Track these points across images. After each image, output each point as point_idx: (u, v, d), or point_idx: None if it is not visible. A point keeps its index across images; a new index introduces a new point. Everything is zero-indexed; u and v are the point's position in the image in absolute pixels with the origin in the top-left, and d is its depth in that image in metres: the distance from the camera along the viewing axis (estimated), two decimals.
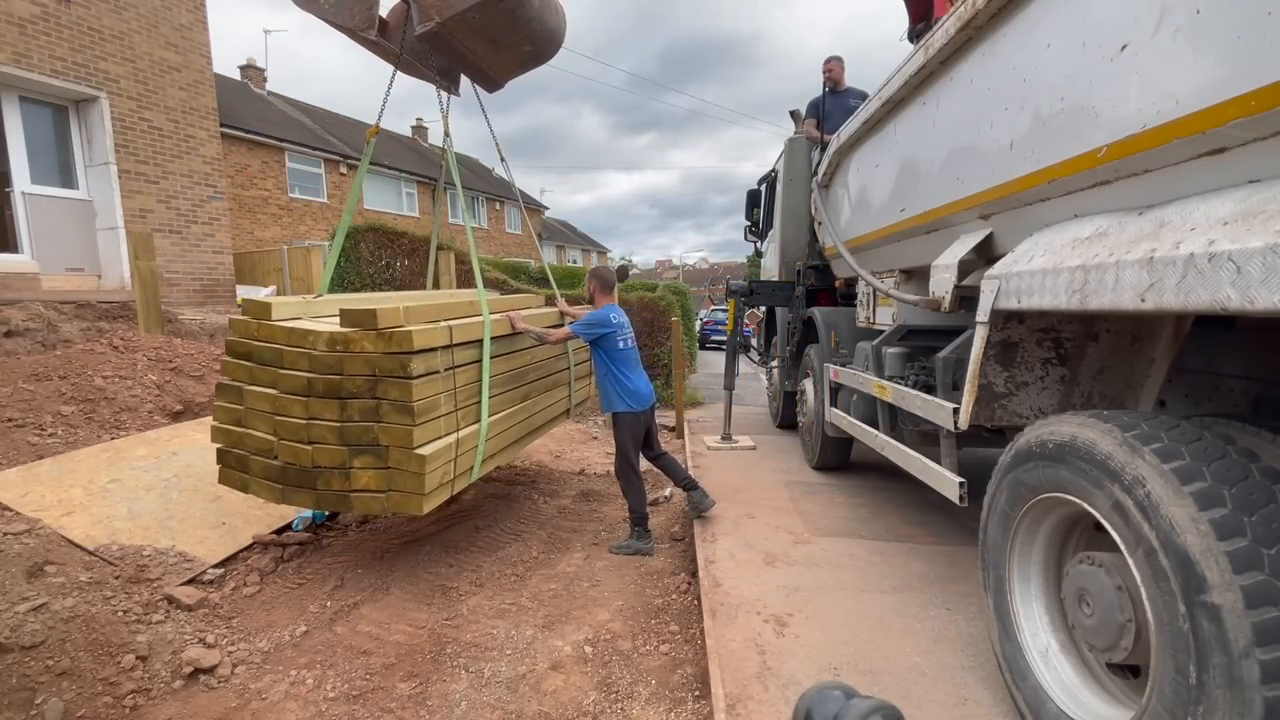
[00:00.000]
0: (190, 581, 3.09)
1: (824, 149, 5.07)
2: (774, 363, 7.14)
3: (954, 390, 2.89)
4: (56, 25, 6.79)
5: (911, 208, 3.24)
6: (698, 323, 18.57)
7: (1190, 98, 1.52)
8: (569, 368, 4.65)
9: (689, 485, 4.09)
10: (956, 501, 2.74)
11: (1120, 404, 2.36)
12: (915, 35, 4.52)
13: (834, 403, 4.54)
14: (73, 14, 6.92)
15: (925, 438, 3.50)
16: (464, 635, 2.90)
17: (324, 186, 17.48)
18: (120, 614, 2.68)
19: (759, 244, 7.84)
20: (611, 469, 4.30)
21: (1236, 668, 1.29)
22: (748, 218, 7.85)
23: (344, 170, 17.98)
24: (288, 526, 3.79)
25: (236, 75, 18.96)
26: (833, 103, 5.55)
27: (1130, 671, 1.82)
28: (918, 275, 3.59)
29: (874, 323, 4.28)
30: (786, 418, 6.63)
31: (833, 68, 5.72)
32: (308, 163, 16.94)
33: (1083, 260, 1.77)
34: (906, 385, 3.34)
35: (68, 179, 7.39)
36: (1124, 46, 1.73)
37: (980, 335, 2.30)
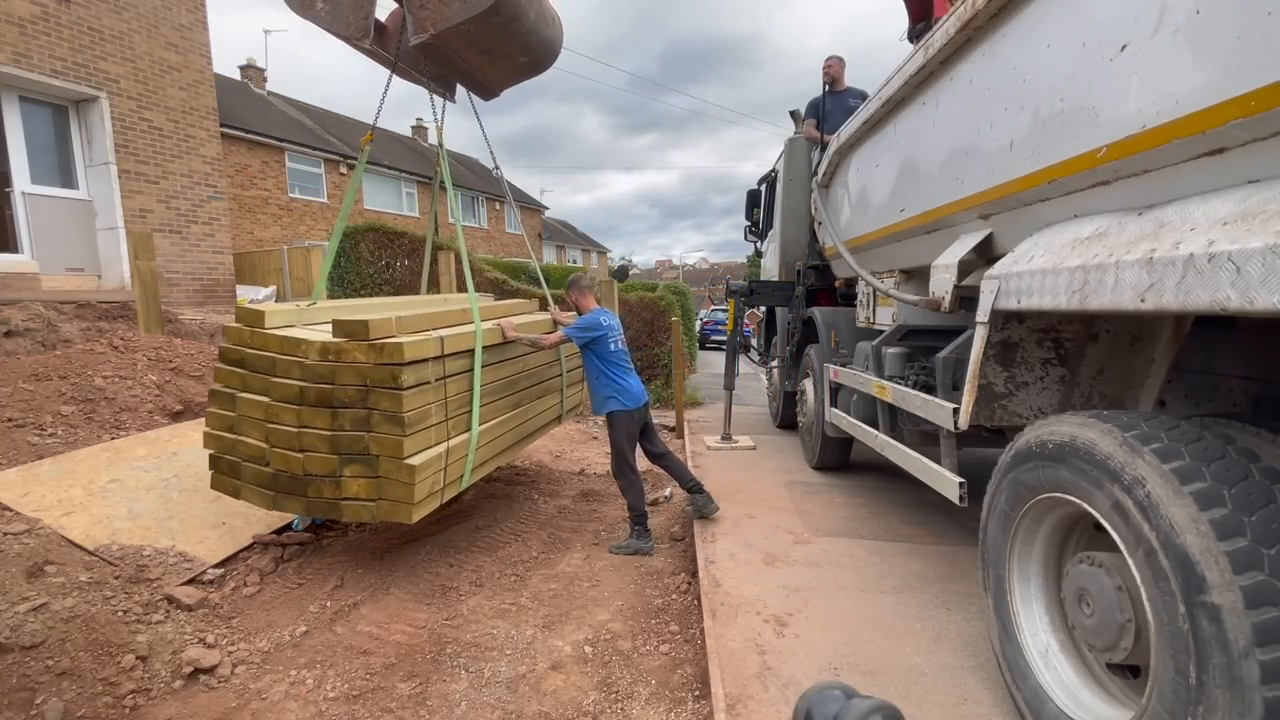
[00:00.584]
0: (190, 581, 3.09)
1: (824, 149, 5.07)
2: (774, 363, 7.14)
3: (954, 390, 2.89)
4: (56, 25, 6.79)
5: (911, 208, 3.24)
6: (698, 323, 18.58)
7: (1190, 98, 1.52)
8: (561, 374, 4.64)
9: (694, 488, 4.08)
10: (956, 501, 2.74)
11: (1120, 404, 2.36)
12: (915, 35, 4.52)
13: (834, 403, 4.54)
14: (73, 14, 6.92)
15: (925, 438, 3.50)
16: (464, 635, 2.90)
17: (324, 186, 17.48)
18: (120, 614, 2.68)
19: (759, 244, 7.84)
20: (610, 469, 4.31)
21: (1236, 668, 1.29)
22: (748, 218, 7.85)
23: (344, 170, 17.98)
24: (288, 526, 3.79)
25: (236, 75, 18.97)
26: (833, 103, 5.55)
27: (1130, 671, 1.82)
28: (918, 275, 3.59)
29: (874, 323, 4.28)
30: (786, 418, 6.63)
31: (832, 67, 5.71)
32: (308, 163, 16.94)
33: (1083, 260, 1.77)
34: (906, 385, 3.34)
35: (68, 179, 7.38)
36: (1124, 46, 1.73)
37: (980, 335, 2.30)
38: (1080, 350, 2.37)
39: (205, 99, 8.39)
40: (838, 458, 5.12)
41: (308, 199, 16.91)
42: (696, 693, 2.50)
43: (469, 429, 3.36)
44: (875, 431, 3.75)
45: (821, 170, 4.98)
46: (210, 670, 2.52)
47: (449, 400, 3.22)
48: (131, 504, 3.49)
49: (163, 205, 7.89)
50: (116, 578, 2.91)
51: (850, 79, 5.81)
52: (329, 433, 2.95)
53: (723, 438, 6.32)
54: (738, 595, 3.06)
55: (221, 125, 9.09)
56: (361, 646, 2.77)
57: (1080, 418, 1.81)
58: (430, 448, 3.06)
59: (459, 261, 9.30)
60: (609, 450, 4.02)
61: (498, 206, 26.25)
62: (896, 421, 3.62)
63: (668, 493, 4.81)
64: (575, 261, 34.98)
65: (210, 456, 3.27)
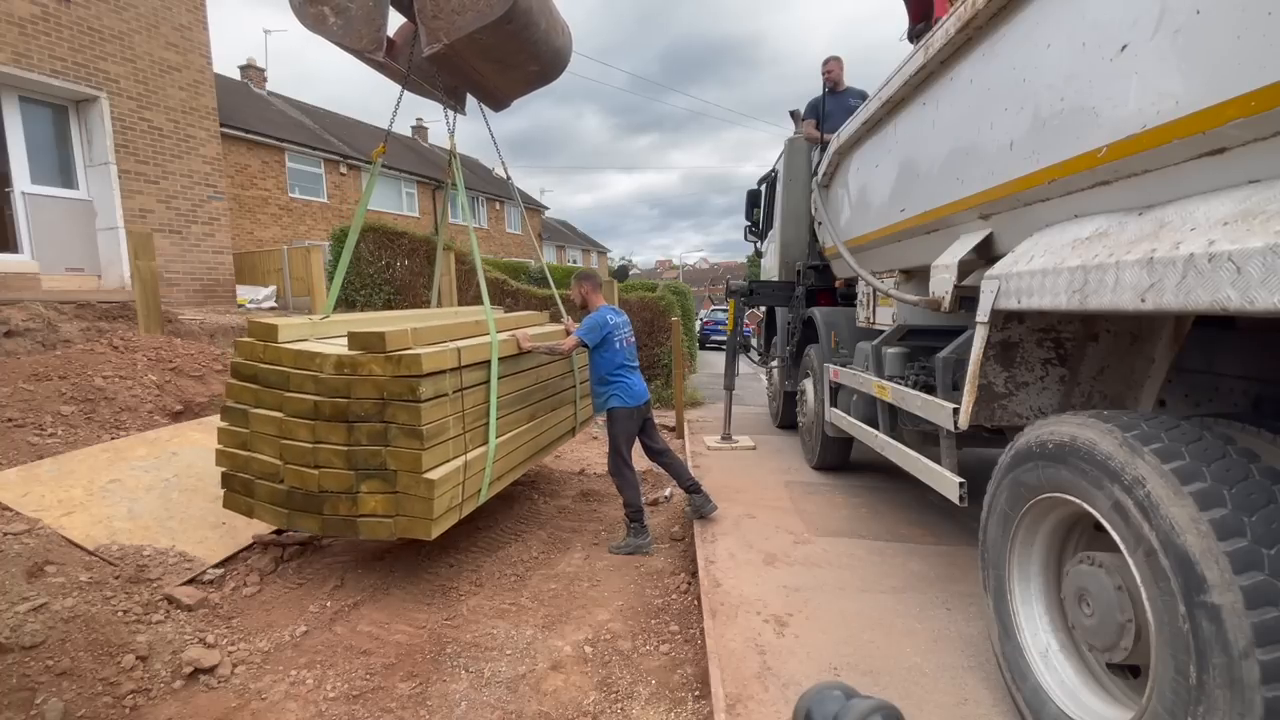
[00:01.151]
0: (190, 581, 3.09)
1: (824, 149, 5.07)
2: (774, 363, 7.14)
3: (954, 390, 2.89)
4: (56, 25, 6.79)
5: (911, 208, 3.24)
6: (698, 323, 18.58)
7: (1190, 98, 1.52)
8: (574, 385, 4.63)
9: (692, 488, 4.08)
10: (956, 501, 2.74)
11: (1120, 404, 2.36)
12: (915, 35, 4.52)
13: (834, 403, 4.54)
14: (73, 14, 6.92)
15: (925, 438, 3.50)
16: (464, 635, 2.90)
17: (324, 186, 17.48)
18: (120, 614, 2.68)
19: (759, 244, 7.84)
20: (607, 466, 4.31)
21: (1236, 668, 1.29)
22: (748, 218, 7.86)
23: (344, 170, 17.99)
24: None
25: (236, 75, 18.97)
26: (832, 103, 5.55)
27: (1130, 672, 1.82)
28: (918, 275, 3.59)
29: (874, 323, 4.28)
30: (786, 418, 6.63)
31: (832, 68, 5.72)
32: (308, 163, 16.94)
33: (1083, 260, 1.77)
34: (906, 385, 3.34)
35: (68, 179, 7.38)
36: (1124, 47, 1.73)
37: (980, 335, 2.30)
38: (1080, 350, 2.37)
39: (205, 99, 8.39)
40: (838, 458, 5.12)
41: (308, 199, 16.91)
42: (696, 693, 2.50)
43: (486, 442, 3.32)
44: (875, 431, 3.75)
45: (821, 170, 4.98)
46: (210, 670, 2.52)
47: (466, 413, 3.18)
48: (131, 504, 3.49)
49: (163, 205, 7.89)
50: (116, 578, 2.91)
51: (850, 80, 5.81)
52: (345, 448, 2.90)
53: (723, 438, 6.31)
54: (738, 595, 3.06)
55: (221, 125, 9.09)
56: (361, 646, 2.77)
57: (1080, 418, 1.81)
58: (448, 461, 3.01)
59: (460, 261, 9.31)
60: (608, 449, 4.03)
61: (498, 206, 26.25)
62: (896, 421, 3.62)
63: (667, 493, 4.81)
64: (575, 261, 34.99)
65: (223, 475, 3.22)
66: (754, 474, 5.20)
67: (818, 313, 5.20)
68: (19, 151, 6.91)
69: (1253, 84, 1.35)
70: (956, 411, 2.57)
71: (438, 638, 2.88)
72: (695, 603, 3.16)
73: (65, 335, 5.60)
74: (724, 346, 7.16)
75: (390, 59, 3.30)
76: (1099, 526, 1.70)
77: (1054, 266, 1.89)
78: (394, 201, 20.09)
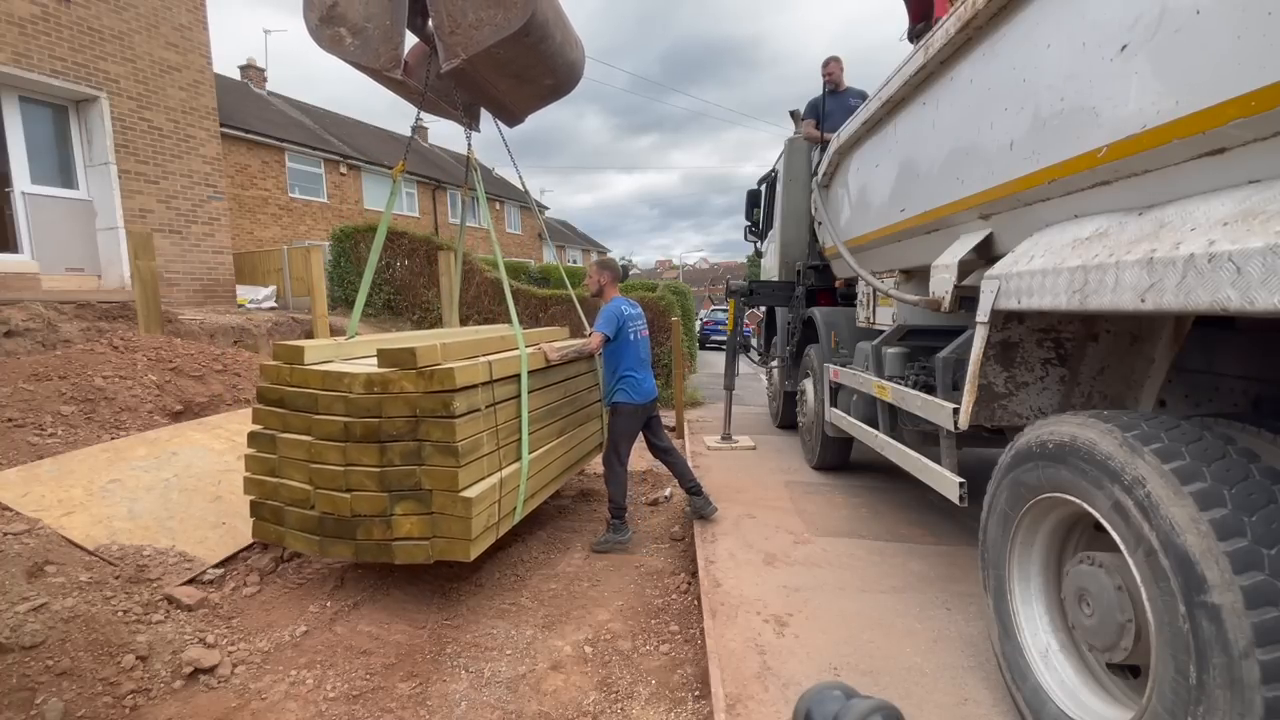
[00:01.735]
0: (190, 581, 3.09)
1: (824, 149, 5.07)
2: (774, 363, 7.15)
3: (954, 390, 2.89)
4: (56, 25, 6.78)
5: (911, 208, 3.24)
6: (698, 323, 18.57)
7: (1190, 98, 1.52)
8: (602, 399, 4.63)
9: (693, 489, 4.08)
10: (956, 501, 2.74)
11: (1120, 404, 2.36)
12: (915, 35, 4.52)
13: (834, 403, 4.54)
14: (73, 14, 6.92)
15: (925, 438, 3.50)
16: (464, 635, 2.91)
17: (324, 186, 17.49)
18: (120, 614, 2.68)
19: (759, 244, 7.85)
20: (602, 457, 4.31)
21: (1237, 668, 1.29)
22: (748, 218, 7.86)
23: (344, 170, 17.99)
24: None
25: (237, 75, 18.97)
26: (833, 103, 5.56)
27: (1130, 672, 1.82)
28: (918, 275, 3.59)
29: (874, 323, 4.28)
30: (786, 418, 6.63)
31: (833, 69, 5.72)
32: (308, 163, 16.94)
33: (1083, 260, 1.77)
34: (906, 385, 3.34)
35: (68, 179, 7.38)
36: (1124, 46, 1.73)
37: (980, 335, 2.30)
38: (1080, 350, 2.37)
39: (205, 99, 8.39)
40: (838, 458, 5.12)
41: (308, 199, 16.92)
42: (696, 693, 2.50)
43: (519, 458, 3.29)
44: (875, 431, 3.75)
45: (821, 170, 4.98)
46: (210, 670, 2.52)
47: (499, 428, 3.13)
48: (131, 504, 3.49)
49: (163, 205, 7.89)
50: (116, 578, 2.91)
51: (850, 81, 5.82)
52: (377, 469, 2.84)
53: (723, 438, 6.32)
54: (738, 595, 3.06)
55: (221, 125, 9.09)
56: (361, 646, 2.77)
57: (1080, 418, 1.81)
58: (484, 479, 2.97)
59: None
60: (606, 442, 4.03)
61: (498, 206, 26.26)
62: (896, 421, 3.62)
63: (667, 493, 4.81)
64: (575, 261, 35.00)
65: (251, 503, 3.17)
66: (754, 474, 5.20)
67: (818, 313, 5.20)
68: (19, 151, 6.90)
69: (1253, 84, 1.35)
70: (956, 411, 2.57)
71: (438, 638, 2.88)
72: (695, 603, 3.16)
73: (65, 335, 5.60)
74: (724, 346, 7.16)
75: (406, 77, 3.31)
76: (1099, 526, 1.70)
77: (1054, 266, 1.89)
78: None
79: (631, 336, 3.86)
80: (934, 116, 2.95)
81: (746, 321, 9.37)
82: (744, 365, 8.91)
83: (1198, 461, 1.46)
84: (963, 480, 2.75)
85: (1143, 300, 1.53)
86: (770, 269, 6.97)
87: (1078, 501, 1.76)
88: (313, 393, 2.98)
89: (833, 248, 4.78)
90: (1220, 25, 1.43)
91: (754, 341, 9.01)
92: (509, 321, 3.72)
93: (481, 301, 9.92)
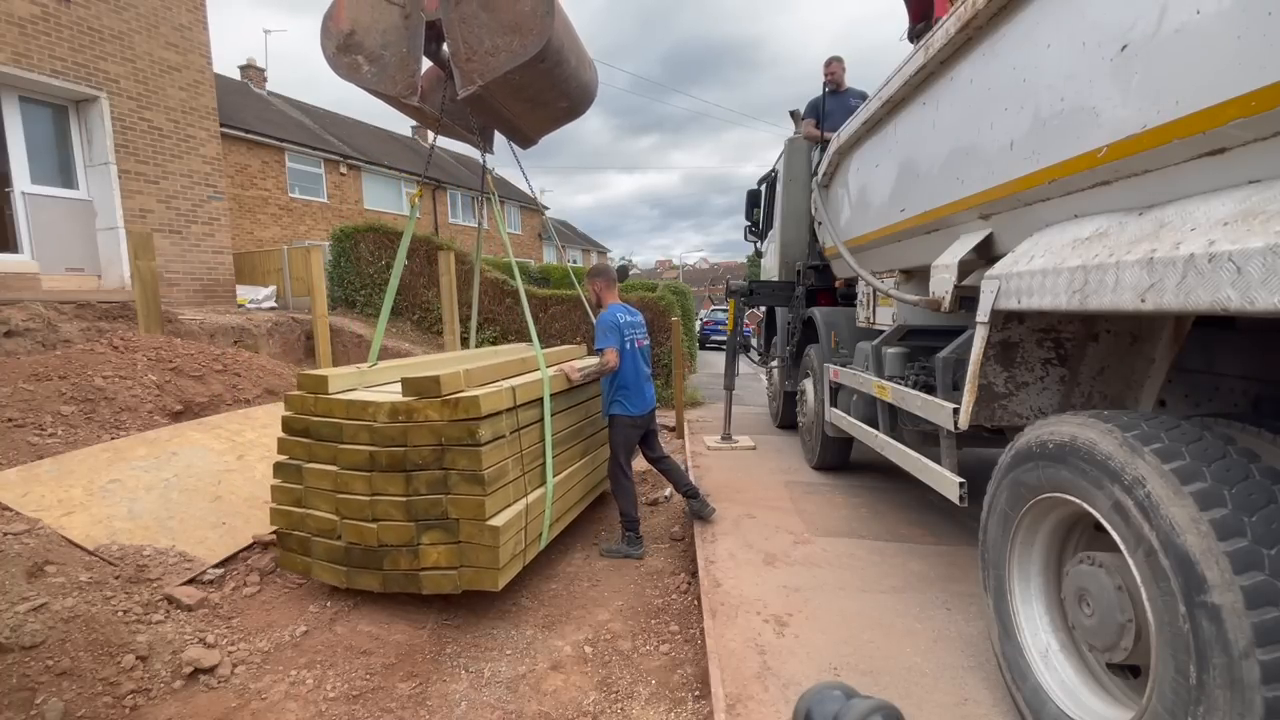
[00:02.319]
0: (190, 581, 3.09)
1: (824, 149, 5.07)
2: (774, 363, 7.15)
3: (954, 390, 2.89)
4: (56, 25, 6.79)
5: (911, 208, 3.24)
6: (698, 323, 18.58)
7: (1190, 98, 1.52)
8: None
9: (690, 493, 4.07)
10: (956, 501, 2.74)
11: (1120, 404, 2.36)
12: (915, 35, 4.52)
13: (834, 403, 4.54)
14: (73, 14, 6.92)
15: (925, 438, 3.50)
16: (464, 635, 2.91)
17: (324, 186, 17.49)
18: (120, 614, 2.68)
19: (759, 244, 7.85)
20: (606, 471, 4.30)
21: (1237, 668, 1.29)
22: (748, 218, 7.86)
23: (344, 170, 17.99)
24: None
25: (237, 75, 18.97)
26: (833, 103, 5.56)
27: (1130, 672, 1.82)
28: (918, 275, 3.59)
29: (874, 323, 4.28)
30: (786, 418, 6.63)
31: (835, 69, 5.72)
32: (308, 163, 16.94)
33: (1083, 260, 1.77)
34: (906, 385, 3.34)
35: (68, 179, 7.38)
36: (1124, 46, 1.73)
37: (980, 335, 2.30)
38: (1080, 350, 2.37)
39: (205, 99, 8.39)
40: (838, 458, 5.12)
41: (308, 199, 16.91)
42: (696, 693, 2.50)
43: (544, 483, 3.28)
44: (875, 431, 3.75)
45: (821, 170, 4.98)
46: (210, 670, 2.52)
47: (524, 453, 3.12)
48: (131, 504, 3.49)
49: (163, 205, 7.89)
50: (116, 578, 2.91)
51: (850, 81, 5.83)
52: (403, 499, 2.84)
53: (723, 438, 6.32)
54: (738, 595, 3.06)
55: (221, 125, 9.09)
56: (361, 646, 2.77)
57: (1080, 418, 1.81)
58: (510, 505, 2.96)
59: (460, 261, 9.31)
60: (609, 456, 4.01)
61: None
62: (896, 421, 3.62)
63: (667, 493, 4.81)
64: (575, 261, 35.00)
65: (277, 534, 3.17)
66: (754, 474, 5.20)
67: (818, 313, 5.20)
68: (19, 151, 6.90)
69: (1253, 84, 1.35)
70: (956, 411, 2.57)
71: (438, 637, 2.88)
72: (695, 603, 3.16)
73: (65, 335, 5.60)
74: (724, 346, 7.16)
75: (422, 103, 3.31)
76: (1099, 526, 1.70)
77: (1054, 266, 1.89)
78: (394, 201, 20.10)
79: (628, 345, 3.81)
80: (934, 116, 2.95)
81: (746, 321, 9.37)
82: (744, 365, 8.92)
83: (1198, 461, 1.46)
84: (963, 480, 2.75)
85: (1143, 300, 1.53)
86: (770, 269, 6.97)
87: (1078, 501, 1.76)
88: (338, 422, 2.97)
89: (833, 248, 4.78)
90: (1220, 25, 1.43)
91: (754, 341, 9.01)
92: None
93: (481, 301, 9.90)
